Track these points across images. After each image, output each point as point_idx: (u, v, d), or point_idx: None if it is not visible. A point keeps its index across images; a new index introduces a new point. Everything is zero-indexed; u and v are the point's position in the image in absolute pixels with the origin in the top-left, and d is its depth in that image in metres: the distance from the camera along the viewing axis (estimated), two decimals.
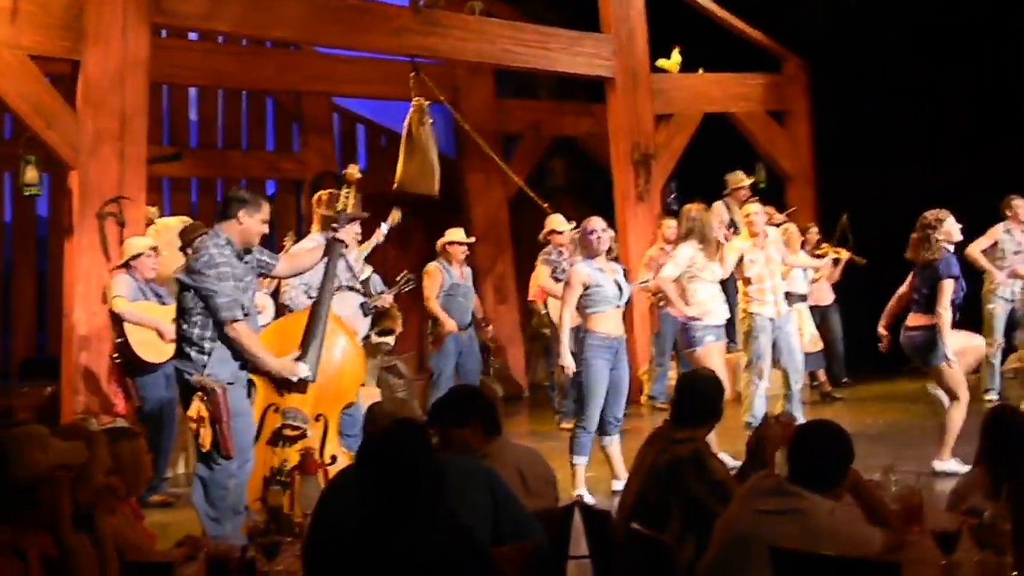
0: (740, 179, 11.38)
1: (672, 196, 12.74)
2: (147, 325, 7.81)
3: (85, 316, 8.72)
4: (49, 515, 3.44)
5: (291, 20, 10.13)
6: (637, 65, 12.15)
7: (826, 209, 12.20)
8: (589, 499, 6.80)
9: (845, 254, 10.98)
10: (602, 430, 7.33)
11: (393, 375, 11.26)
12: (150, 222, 9.07)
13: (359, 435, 6.05)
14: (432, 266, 9.65)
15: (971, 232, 8.95)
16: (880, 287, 8.09)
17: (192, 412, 5.74)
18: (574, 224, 9.26)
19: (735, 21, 12.55)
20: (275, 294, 8.14)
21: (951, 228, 7.20)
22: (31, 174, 9.40)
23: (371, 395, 8.62)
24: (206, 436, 5.68)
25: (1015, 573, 3.29)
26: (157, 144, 11.76)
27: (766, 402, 8.09)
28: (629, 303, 8.11)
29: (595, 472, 7.43)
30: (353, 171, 6.83)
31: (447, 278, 9.56)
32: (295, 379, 6.14)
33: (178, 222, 8.97)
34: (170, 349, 7.38)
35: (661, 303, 10.44)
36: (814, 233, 11.12)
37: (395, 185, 10.01)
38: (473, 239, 10.26)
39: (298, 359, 6.19)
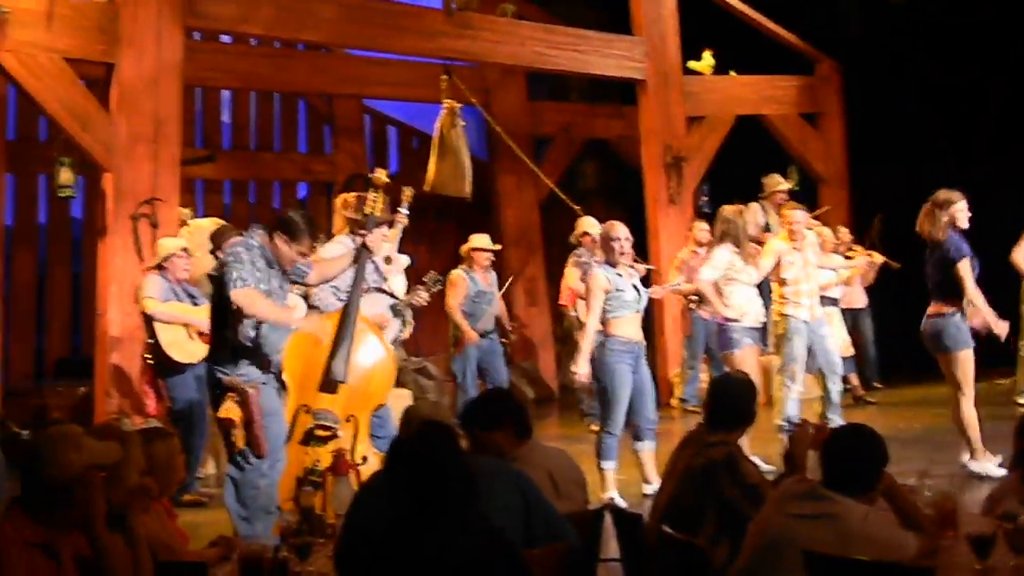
0: (777, 182, 11.23)
1: (704, 199, 12.66)
2: (178, 322, 7.82)
3: (119, 317, 8.79)
4: (83, 515, 3.44)
5: (323, 23, 10.18)
6: (669, 67, 12.13)
7: (860, 211, 12.11)
8: (620, 502, 6.79)
9: (879, 257, 10.89)
10: (637, 436, 7.29)
11: (423, 376, 11.28)
12: (183, 223, 9.11)
13: (389, 436, 6.08)
14: (455, 274, 9.57)
15: (1002, 231, 8.86)
16: (913, 290, 7.99)
17: (223, 413, 5.78)
18: None
19: (767, 23, 12.50)
20: (304, 295, 8.14)
21: (957, 213, 7.10)
22: (66, 176, 9.50)
23: (400, 396, 8.62)
24: (239, 437, 5.72)
25: None
26: (190, 146, 11.84)
27: (799, 406, 8.00)
28: (648, 307, 8.06)
29: (625, 475, 7.40)
30: (381, 175, 6.86)
31: (471, 286, 9.51)
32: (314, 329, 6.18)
33: (211, 223, 9.00)
34: (199, 350, 7.46)
35: (692, 306, 10.42)
36: (845, 234, 11.04)
37: (427, 187, 10.02)
38: (499, 246, 10.19)
39: (329, 360, 6.23)
